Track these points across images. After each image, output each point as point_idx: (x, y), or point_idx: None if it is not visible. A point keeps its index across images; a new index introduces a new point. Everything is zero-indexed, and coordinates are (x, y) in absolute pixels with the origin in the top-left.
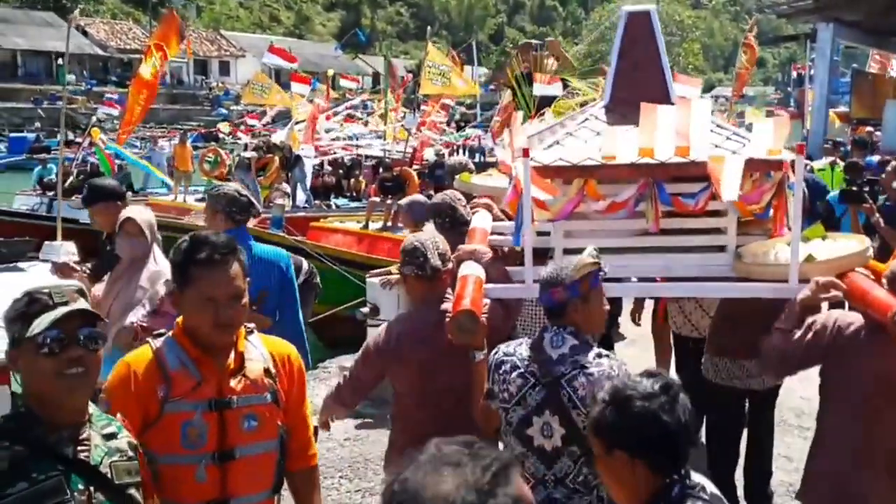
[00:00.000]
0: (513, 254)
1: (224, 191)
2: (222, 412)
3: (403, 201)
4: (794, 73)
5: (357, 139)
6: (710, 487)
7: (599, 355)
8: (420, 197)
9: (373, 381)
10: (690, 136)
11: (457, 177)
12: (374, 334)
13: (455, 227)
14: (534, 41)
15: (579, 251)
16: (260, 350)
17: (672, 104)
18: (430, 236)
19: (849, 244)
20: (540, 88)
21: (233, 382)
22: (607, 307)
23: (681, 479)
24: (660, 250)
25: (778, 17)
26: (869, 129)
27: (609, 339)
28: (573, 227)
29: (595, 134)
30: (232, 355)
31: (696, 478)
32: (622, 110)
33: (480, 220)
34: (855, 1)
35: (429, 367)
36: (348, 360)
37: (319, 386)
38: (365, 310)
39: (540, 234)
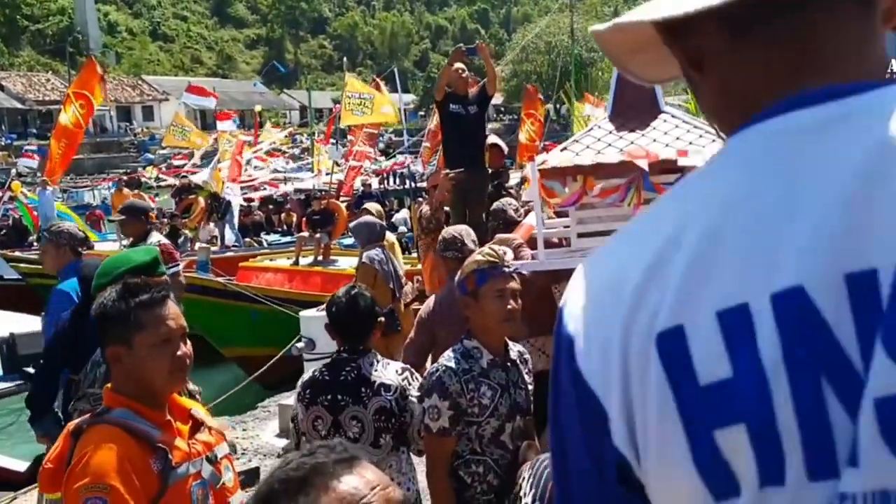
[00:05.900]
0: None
1: (64, 227)
2: (213, 467)
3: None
4: None
5: (284, 172)
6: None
7: (453, 354)
8: (368, 218)
9: (428, 342)
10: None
11: (523, 185)
12: (424, 306)
13: (506, 226)
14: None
15: (591, 235)
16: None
17: (661, 112)
18: (462, 228)
19: None
20: (589, 109)
21: (203, 437)
22: (511, 307)
23: (358, 353)
24: None
25: None
26: None
27: None
28: (584, 215)
29: (596, 140)
30: (170, 412)
31: (380, 363)
32: (622, 120)
33: (531, 218)
34: None
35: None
36: (287, 398)
37: (260, 426)
38: (300, 344)
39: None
